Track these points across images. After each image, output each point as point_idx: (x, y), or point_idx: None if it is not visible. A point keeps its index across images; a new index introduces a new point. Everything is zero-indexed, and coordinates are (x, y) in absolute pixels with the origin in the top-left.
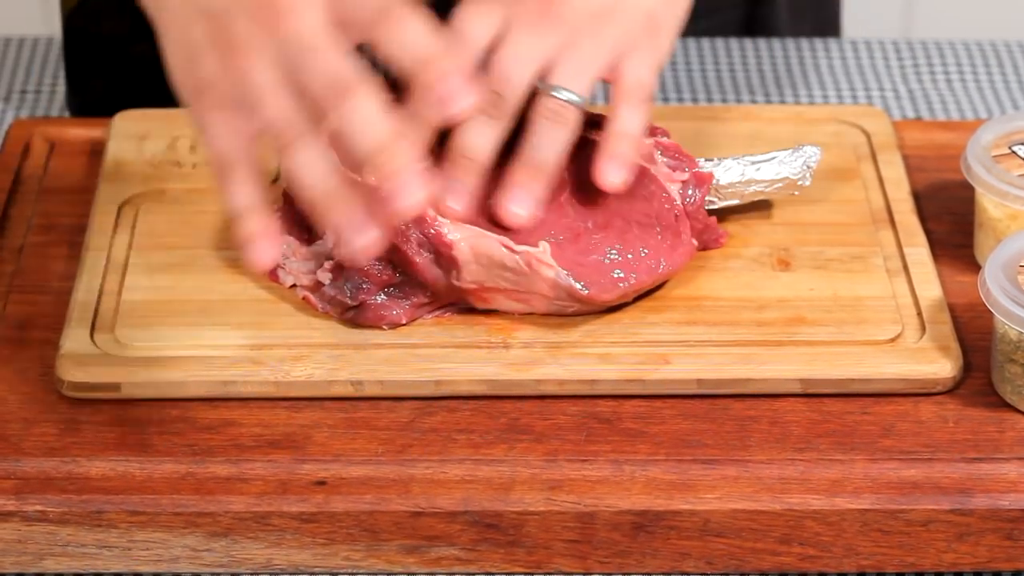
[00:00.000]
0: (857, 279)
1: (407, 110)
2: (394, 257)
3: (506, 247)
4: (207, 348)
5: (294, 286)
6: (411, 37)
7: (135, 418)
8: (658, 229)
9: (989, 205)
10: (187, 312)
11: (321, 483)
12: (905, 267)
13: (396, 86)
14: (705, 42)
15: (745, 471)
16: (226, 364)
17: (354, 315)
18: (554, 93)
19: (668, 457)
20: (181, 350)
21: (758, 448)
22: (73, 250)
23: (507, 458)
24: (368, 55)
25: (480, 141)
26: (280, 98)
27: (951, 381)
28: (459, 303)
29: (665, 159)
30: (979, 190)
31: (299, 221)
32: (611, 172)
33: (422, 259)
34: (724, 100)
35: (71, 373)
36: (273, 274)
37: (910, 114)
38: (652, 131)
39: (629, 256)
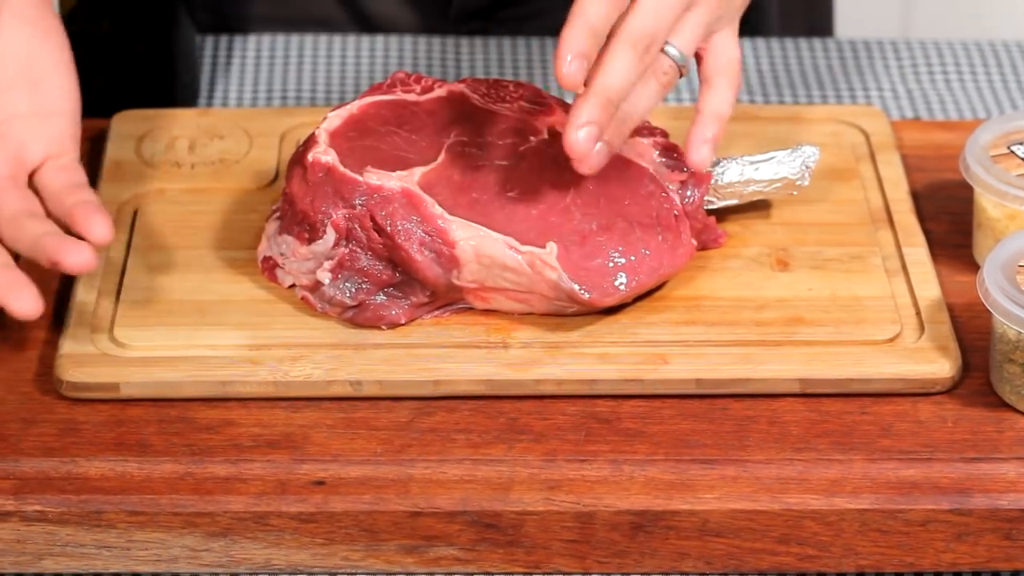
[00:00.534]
0: (856, 279)
1: None
2: (395, 256)
3: (510, 247)
4: (206, 348)
5: (293, 286)
6: None
7: (134, 418)
8: (658, 230)
9: (988, 205)
10: (186, 312)
11: (320, 483)
12: (904, 267)
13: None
14: None
15: (744, 471)
16: (225, 364)
17: (353, 315)
18: (668, 50)
19: (667, 457)
20: (180, 350)
21: (757, 448)
22: None
23: (506, 458)
24: None
25: (624, 76)
26: None
27: (950, 381)
28: (458, 303)
29: (664, 159)
30: (978, 190)
31: (299, 220)
32: (704, 151)
33: (424, 258)
34: None
35: (70, 373)
36: (272, 274)
37: (909, 114)
38: (651, 131)
39: (632, 258)
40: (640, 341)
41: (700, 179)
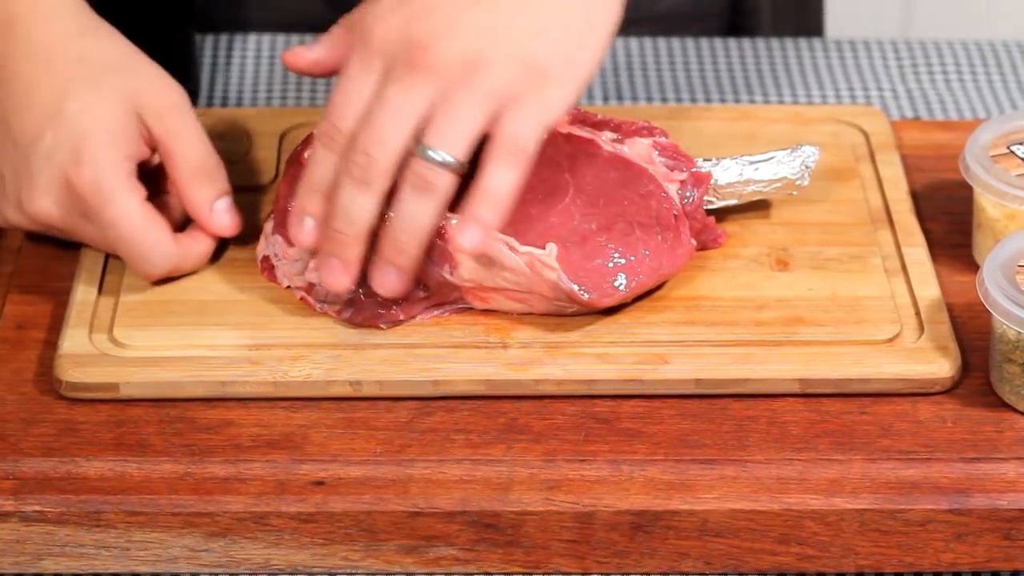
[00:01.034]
0: (855, 279)
1: None
2: None
3: (510, 247)
4: (205, 348)
5: (292, 286)
6: None
7: (133, 418)
8: (658, 230)
9: (987, 205)
10: (185, 312)
11: (319, 483)
12: (903, 267)
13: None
14: (704, 42)
15: (743, 471)
16: (224, 364)
17: (351, 314)
18: (425, 153)
19: (666, 457)
20: (179, 350)
21: (756, 448)
22: (71, 250)
23: (505, 458)
24: None
25: (355, 210)
26: None
27: (949, 381)
28: (457, 302)
29: (663, 159)
30: (977, 190)
31: (284, 220)
32: (467, 234)
33: None
34: (722, 100)
35: (69, 373)
36: (271, 274)
37: (908, 114)
38: (651, 131)
39: (632, 258)
40: (640, 341)
41: (700, 179)
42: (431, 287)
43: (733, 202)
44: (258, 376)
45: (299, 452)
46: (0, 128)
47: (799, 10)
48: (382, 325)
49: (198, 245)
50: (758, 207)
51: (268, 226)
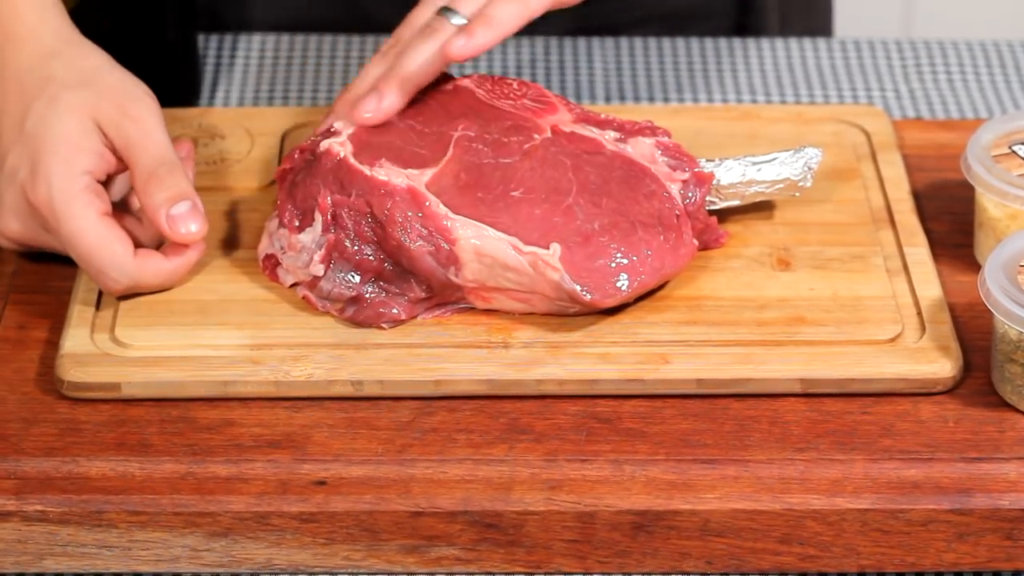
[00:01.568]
0: (857, 279)
1: None
2: (385, 246)
3: (513, 248)
4: (207, 348)
5: (294, 285)
6: None
7: (135, 418)
8: (660, 230)
9: (989, 205)
10: (187, 312)
11: (321, 483)
12: (905, 267)
13: None
14: (708, 42)
15: (745, 471)
16: (226, 364)
17: (353, 313)
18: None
19: (668, 457)
20: (181, 350)
21: (758, 448)
22: None
23: (507, 458)
24: None
25: (419, 58)
26: None
27: (951, 381)
28: (458, 302)
29: (666, 159)
30: (979, 190)
31: (292, 208)
32: (457, 43)
33: (416, 247)
34: (724, 100)
35: (71, 373)
36: (273, 274)
37: (910, 114)
38: (653, 131)
39: (634, 258)
40: (641, 341)
41: (702, 179)
42: (434, 288)
43: (736, 203)
44: (260, 376)
45: (301, 452)
46: None
47: (807, 10)
48: (384, 325)
49: (161, 262)
50: (760, 207)
51: (272, 224)
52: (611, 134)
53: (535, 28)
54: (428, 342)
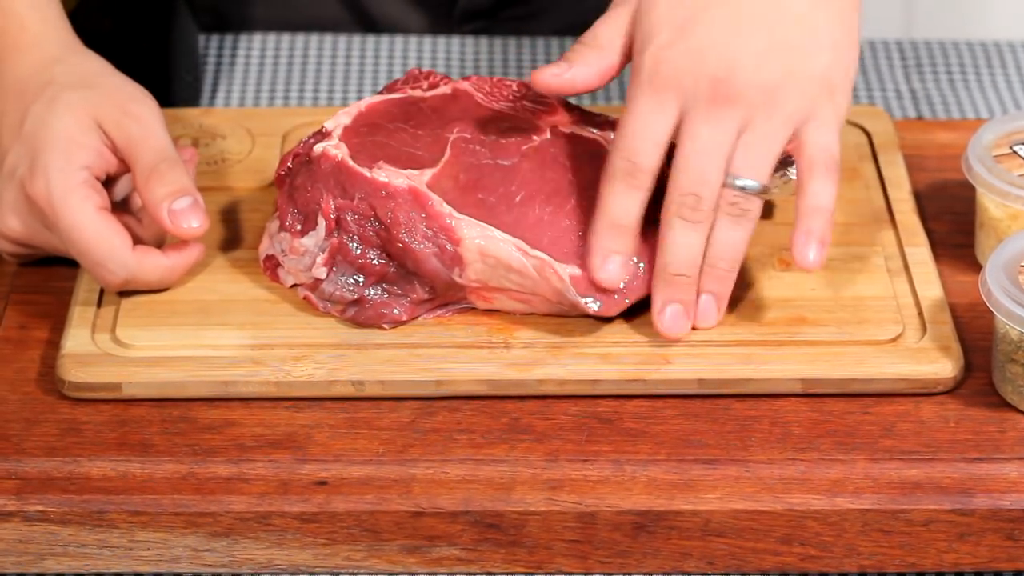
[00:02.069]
0: (858, 279)
1: None
2: (390, 248)
3: (519, 250)
4: (208, 348)
5: (295, 286)
6: None
7: (136, 418)
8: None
9: (990, 205)
10: (188, 312)
11: (322, 483)
12: (906, 267)
13: None
14: None
15: (746, 471)
16: (227, 364)
17: (354, 314)
18: (735, 183)
19: (669, 457)
20: (182, 350)
21: (759, 448)
22: None
23: (508, 458)
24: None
25: (691, 252)
26: None
27: (952, 381)
28: (460, 302)
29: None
30: (980, 190)
31: (293, 212)
32: (810, 251)
33: (422, 248)
34: None
35: (72, 373)
36: (273, 274)
37: (911, 114)
38: None
39: (641, 266)
40: (642, 341)
41: None
42: (437, 289)
43: None
44: (261, 376)
45: (302, 452)
46: None
47: None
48: (385, 325)
49: (159, 257)
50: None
51: (272, 225)
52: (611, 135)
53: (535, 28)
54: (429, 342)
